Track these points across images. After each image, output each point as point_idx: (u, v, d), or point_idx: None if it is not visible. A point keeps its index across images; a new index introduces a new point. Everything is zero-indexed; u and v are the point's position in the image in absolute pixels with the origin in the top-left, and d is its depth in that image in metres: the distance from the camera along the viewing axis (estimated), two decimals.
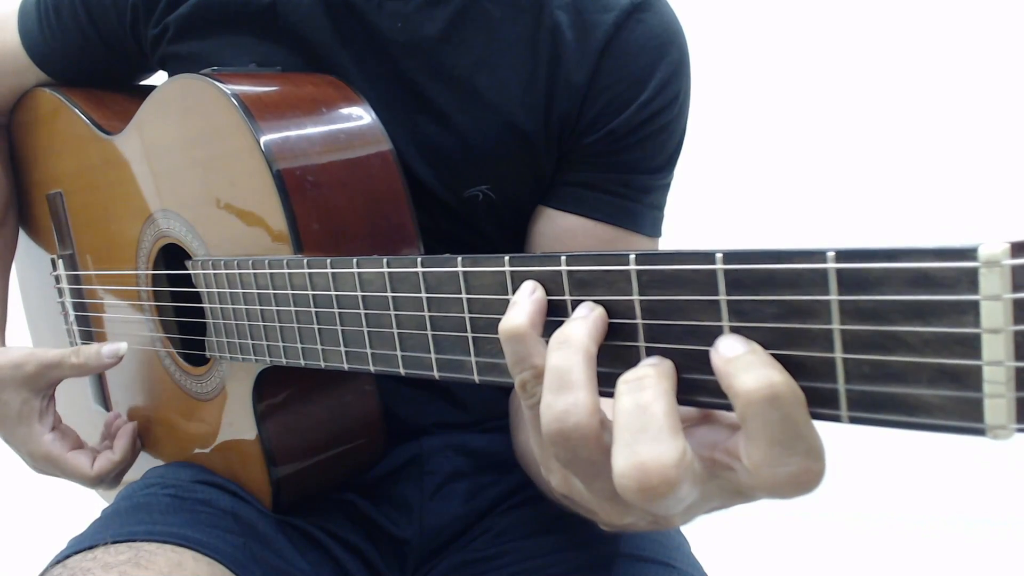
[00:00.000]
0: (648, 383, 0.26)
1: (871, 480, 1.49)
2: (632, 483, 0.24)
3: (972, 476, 1.43)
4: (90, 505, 0.60)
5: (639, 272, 0.28)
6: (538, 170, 0.55)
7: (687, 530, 0.59)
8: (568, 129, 0.53)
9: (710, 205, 1.45)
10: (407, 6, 0.52)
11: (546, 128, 0.53)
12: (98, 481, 0.59)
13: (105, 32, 0.59)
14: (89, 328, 0.67)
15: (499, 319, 0.31)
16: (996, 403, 0.22)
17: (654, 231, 0.57)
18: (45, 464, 0.59)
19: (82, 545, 0.47)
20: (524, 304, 0.30)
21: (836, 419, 0.25)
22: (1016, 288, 0.21)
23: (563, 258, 0.30)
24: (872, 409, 0.24)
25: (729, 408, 0.26)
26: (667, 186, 0.58)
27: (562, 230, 0.55)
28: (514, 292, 0.31)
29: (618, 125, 0.53)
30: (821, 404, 0.25)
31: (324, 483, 0.55)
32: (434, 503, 0.58)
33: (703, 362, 0.27)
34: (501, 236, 0.57)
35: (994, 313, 0.21)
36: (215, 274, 0.48)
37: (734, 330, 0.26)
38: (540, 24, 0.52)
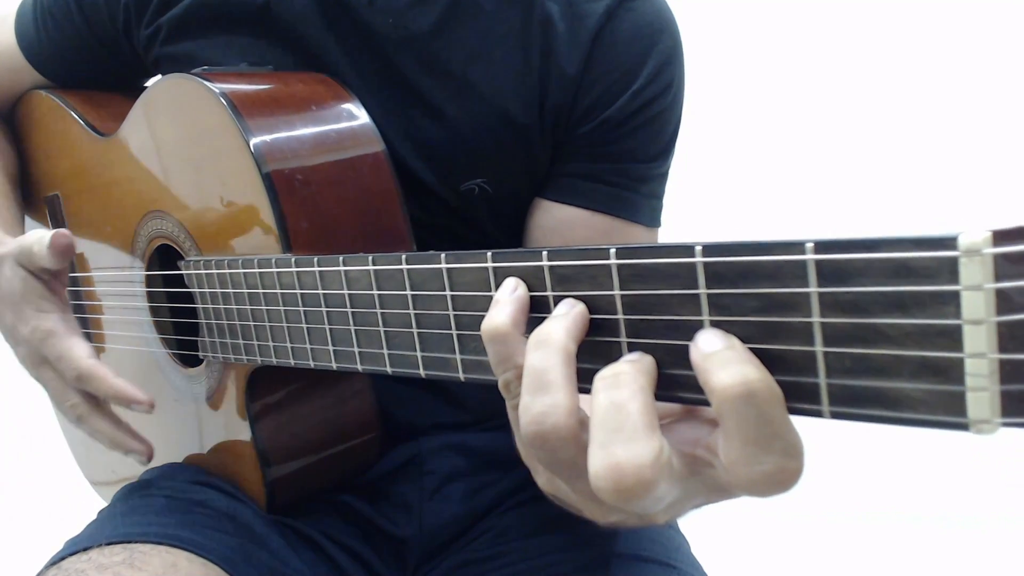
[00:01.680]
0: (624, 380, 0.25)
1: (872, 479, 1.48)
2: (607, 484, 0.24)
3: (972, 472, 1.41)
4: (87, 507, 0.60)
5: (620, 266, 0.28)
6: (534, 162, 0.54)
7: (687, 530, 0.59)
8: (562, 120, 0.53)
9: (703, 199, 1.44)
10: (398, 2, 0.52)
11: (540, 119, 0.53)
12: (82, 379, 0.50)
13: (99, 33, 0.59)
14: (88, 329, 0.67)
15: (483, 316, 0.30)
16: (979, 396, 0.21)
17: (653, 221, 0.57)
18: (43, 343, 0.51)
19: (78, 546, 0.47)
20: (505, 303, 0.29)
21: (818, 414, 0.24)
22: (998, 278, 0.21)
23: (544, 253, 0.30)
24: (854, 404, 0.24)
25: (710, 404, 0.25)
26: (664, 175, 0.57)
27: (559, 222, 0.55)
28: (497, 289, 0.31)
29: (611, 114, 0.52)
30: (802, 399, 0.24)
31: (320, 484, 0.55)
32: (433, 503, 0.58)
33: (684, 357, 0.26)
34: (499, 230, 0.57)
35: (975, 304, 0.21)
36: (206, 274, 0.49)
37: (715, 324, 0.26)
38: (531, 16, 0.52)
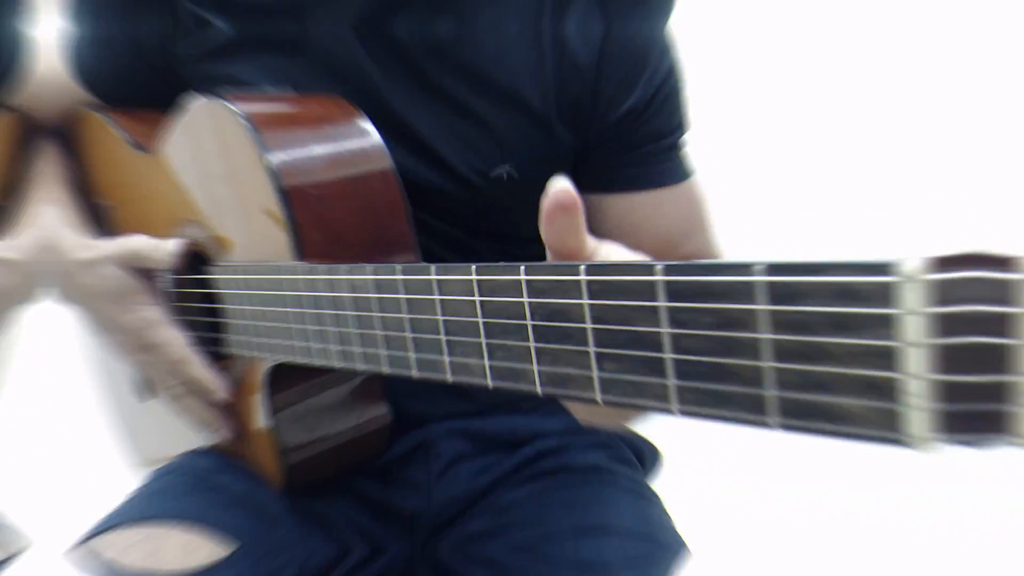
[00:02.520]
0: None
1: (871, 475, 1.44)
2: None
3: (972, 473, 1.36)
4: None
5: (589, 282, 0.29)
6: (556, 150, 0.58)
7: (684, 523, 0.61)
8: (587, 109, 0.57)
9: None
10: (414, 14, 0.55)
11: (558, 108, 0.57)
12: (178, 363, 0.56)
13: (147, 57, 0.63)
14: None
15: (468, 321, 0.34)
16: (916, 415, 0.22)
17: (687, 173, 0.62)
18: (145, 331, 0.57)
19: (101, 528, 0.51)
20: None
21: (766, 425, 0.25)
22: (935, 302, 0.22)
23: (522, 268, 0.32)
24: (801, 417, 0.25)
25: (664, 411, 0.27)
26: (687, 130, 0.63)
27: (632, 210, 0.60)
28: (480, 295, 0.33)
29: (634, 103, 0.57)
30: (752, 411, 0.26)
31: (334, 469, 0.59)
32: (441, 482, 0.61)
33: (645, 366, 0.28)
34: (530, 221, 0.60)
35: (912, 327, 0.22)
36: (232, 278, 0.52)
37: (674, 337, 0.27)
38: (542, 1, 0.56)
